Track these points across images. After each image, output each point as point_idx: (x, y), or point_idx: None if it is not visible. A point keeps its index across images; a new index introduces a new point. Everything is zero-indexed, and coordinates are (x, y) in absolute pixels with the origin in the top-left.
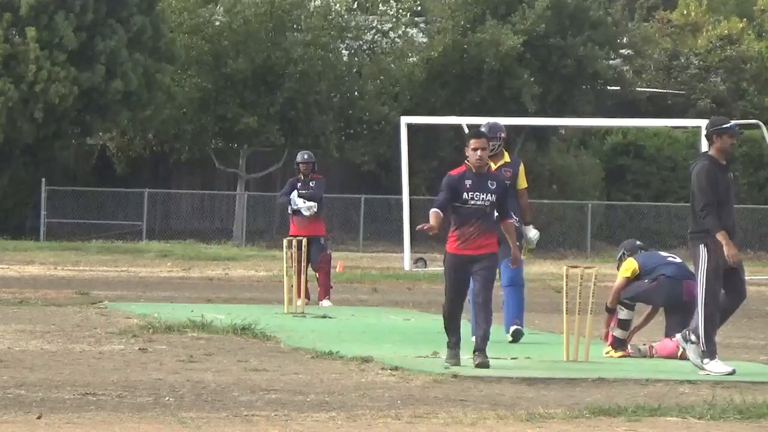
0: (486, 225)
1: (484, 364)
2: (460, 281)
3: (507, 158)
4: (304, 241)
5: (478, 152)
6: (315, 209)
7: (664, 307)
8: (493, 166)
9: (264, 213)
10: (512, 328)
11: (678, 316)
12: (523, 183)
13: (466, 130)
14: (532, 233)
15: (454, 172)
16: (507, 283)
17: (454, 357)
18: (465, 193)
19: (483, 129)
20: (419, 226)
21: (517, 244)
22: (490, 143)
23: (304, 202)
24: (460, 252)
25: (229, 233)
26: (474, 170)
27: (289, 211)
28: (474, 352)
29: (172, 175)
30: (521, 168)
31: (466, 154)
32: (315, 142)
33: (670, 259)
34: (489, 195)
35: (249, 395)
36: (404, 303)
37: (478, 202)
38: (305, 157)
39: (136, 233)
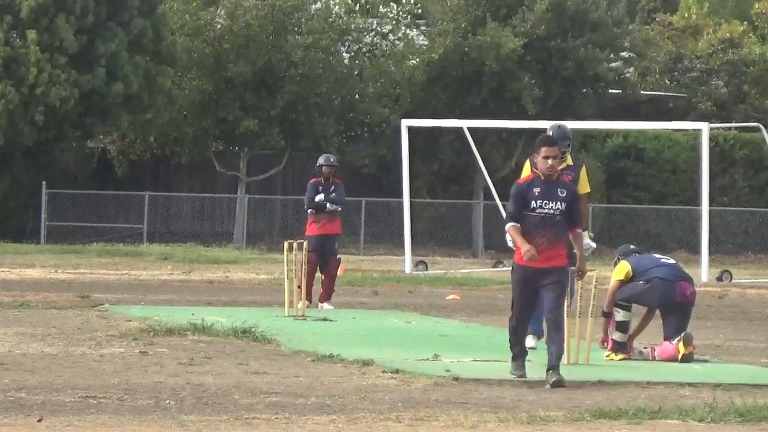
0: (555, 235)
1: (558, 382)
2: (528, 296)
3: (569, 161)
4: (305, 243)
5: (549, 161)
6: (339, 209)
7: (659, 308)
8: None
9: (264, 216)
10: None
11: (674, 317)
12: (584, 187)
13: (468, 134)
14: (586, 241)
15: (522, 179)
16: None
17: (521, 368)
18: (533, 201)
19: (550, 132)
20: (525, 254)
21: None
22: (561, 149)
23: (331, 206)
24: (528, 264)
25: (229, 236)
26: (543, 177)
27: (309, 212)
28: (548, 370)
29: (173, 178)
30: (583, 171)
31: (535, 161)
32: (315, 145)
33: (664, 260)
34: (558, 203)
35: (250, 398)
36: (405, 306)
37: (547, 211)
38: (331, 160)
39: (136, 236)
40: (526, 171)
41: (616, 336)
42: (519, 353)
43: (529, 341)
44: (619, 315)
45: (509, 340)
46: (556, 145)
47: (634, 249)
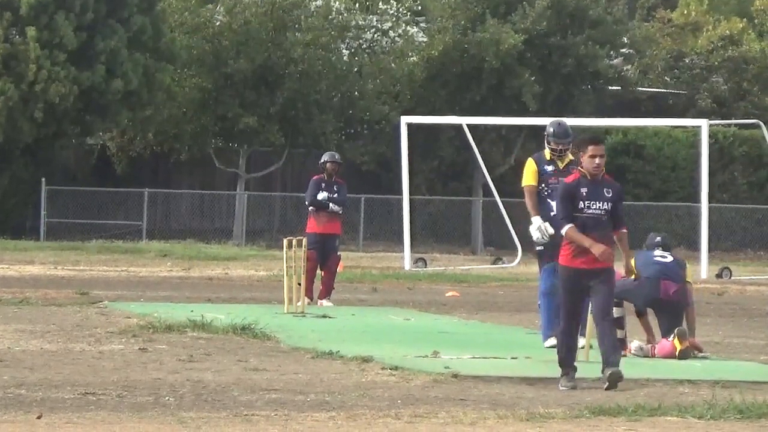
0: (602, 235)
1: (616, 374)
2: (575, 299)
3: (571, 156)
4: (304, 241)
5: (597, 159)
6: (340, 211)
7: (649, 307)
8: (560, 165)
9: (264, 213)
10: (550, 341)
11: (663, 316)
12: None
13: (467, 131)
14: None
15: (569, 179)
16: (548, 291)
17: (572, 381)
18: (581, 202)
19: (551, 129)
20: (602, 255)
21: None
22: (563, 146)
23: (333, 206)
24: (574, 264)
25: (229, 233)
26: (589, 177)
27: (310, 209)
28: (603, 370)
29: (172, 175)
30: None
31: (581, 160)
32: (315, 142)
33: (658, 258)
34: (605, 203)
35: (249, 395)
36: (404, 303)
37: (594, 211)
38: (336, 157)
39: (136, 233)
40: (529, 169)
41: (617, 333)
42: (570, 370)
43: (550, 341)
44: (614, 312)
45: (559, 355)
46: (602, 144)
47: (658, 242)
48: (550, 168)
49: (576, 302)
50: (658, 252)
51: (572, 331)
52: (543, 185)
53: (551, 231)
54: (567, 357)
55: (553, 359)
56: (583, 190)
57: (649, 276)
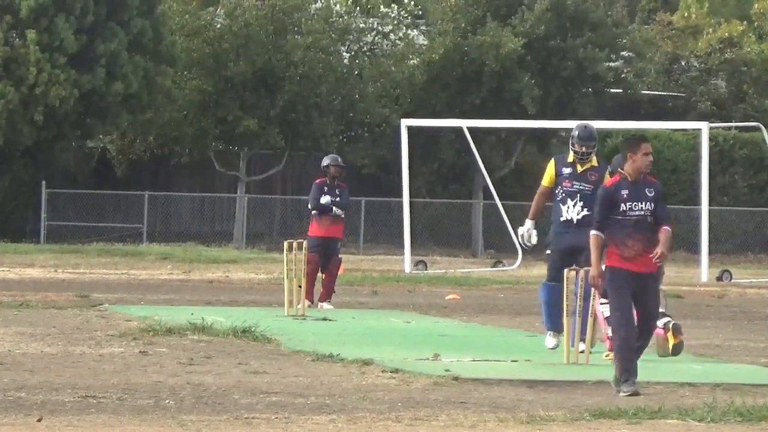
0: (647, 237)
1: (634, 394)
2: (625, 303)
3: (594, 162)
4: (305, 243)
5: (650, 156)
6: (343, 215)
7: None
8: (580, 168)
9: (264, 216)
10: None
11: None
12: None
13: (467, 134)
14: None
15: (608, 183)
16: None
17: (633, 385)
18: (622, 204)
19: (577, 132)
20: (590, 278)
21: None
22: (588, 149)
23: (336, 210)
24: (624, 266)
25: (229, 236)
26: (630, 179)
27: (312, 212)
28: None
29: (173, 178)
30: (607, 173)
31: (630, 160)
32: (315, 145)
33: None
34: (647, 203)
35: (249, 398)
36: (405, 305)
37: (638, 213)
38: (339, 160)
39: (136, 236)
40: (547, 170)
41: (610, 332)
42: (633, 371)
43: (550, 341)
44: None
45: (618, 362)
46: (650, 142)
47: None
48: (567, 171)
49: (626, 304)
50: None
51: (631, 338)
52: (557, 188)
53: (534, 241)
54: (630, 366)
55: (554, 362)
56: (624, 193)
57: None
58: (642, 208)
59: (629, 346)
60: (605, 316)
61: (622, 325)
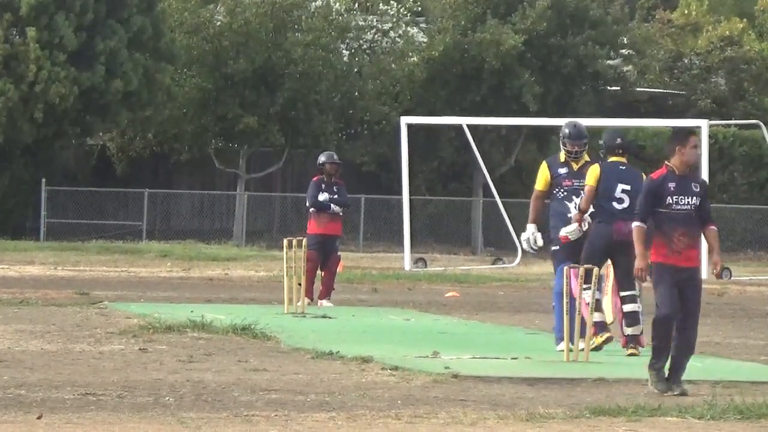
0: (692, 233)
1: (683, 394)
2: (672, 294)
3: (586, 157)
4: (304, 241)
5: (697, 149)
6: (341, 212)
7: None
8: (575, 167)
9: (264, 213)
10: (562, 345)
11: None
12: (589, 181)
13: (467, 131)
14: (574, 227)
15: (655, 175)
16: (562, 291)
17: (662, 381)
18: (669, 197)
19: (567, 130)
20: (635, 271)
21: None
22: (578, 147)
23: (335, 208)
24: (669, 261)
25: (229, 233)
26: (678, 172)
27: (311, 210)
28: (669, 377)
29: (172, 176)
30: (593, 168)
31: (677, 153)
32: (315, 142)
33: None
34: (693, 198)
35: (249, 395)
36: (404, 303)
37: (683, 206)
38: (334, 157)
39: (136, 233)
40: (540, 174)
41: (596, 317)
42: (663, 364)
43: (562, 345)
44: (630, 306)
45: (655, 354)
46: (698, 135)
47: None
48: (563, 171)
49: (673, 296)
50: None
51: (672, 314)
52: (558, 189)
53: (540, 243)
54: (665, 344)
55: (553, 360)
56: (671, 185)
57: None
58: (688, 202)
59: (669, 325)
60: (586, 302)
61: (666, 305)
